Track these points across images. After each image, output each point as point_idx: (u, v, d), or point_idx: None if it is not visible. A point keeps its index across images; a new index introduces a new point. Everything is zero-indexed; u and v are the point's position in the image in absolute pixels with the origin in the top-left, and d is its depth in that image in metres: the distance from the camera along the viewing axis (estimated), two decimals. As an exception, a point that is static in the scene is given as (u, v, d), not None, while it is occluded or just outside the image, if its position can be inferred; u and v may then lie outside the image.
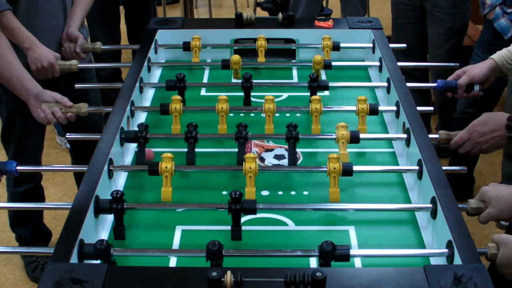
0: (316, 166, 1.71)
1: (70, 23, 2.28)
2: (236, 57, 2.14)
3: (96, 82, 2.58)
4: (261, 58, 2.25)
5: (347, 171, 1.57)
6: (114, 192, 1.45)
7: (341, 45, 2.28)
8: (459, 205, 1.45)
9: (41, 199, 2.65)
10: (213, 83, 2.20)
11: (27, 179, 2.52)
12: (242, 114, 1.99)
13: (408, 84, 1.99)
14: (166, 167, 1.56)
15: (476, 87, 1.97)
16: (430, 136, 1.74)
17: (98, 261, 1.32)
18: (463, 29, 3.19)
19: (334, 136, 1.74)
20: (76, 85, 2.21)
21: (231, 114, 1.92)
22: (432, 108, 2.08)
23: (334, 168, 1.56)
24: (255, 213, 1.46)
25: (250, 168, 1.55)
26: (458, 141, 1.74)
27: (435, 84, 2.05)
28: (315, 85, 2.01)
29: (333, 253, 1.29)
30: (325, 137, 1.80)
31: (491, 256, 1.32)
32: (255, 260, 1.36)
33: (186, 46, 2.28)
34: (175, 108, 1.84)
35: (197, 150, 1.73)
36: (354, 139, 1.73)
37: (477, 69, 1.96)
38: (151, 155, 1.75)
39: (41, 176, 2.62)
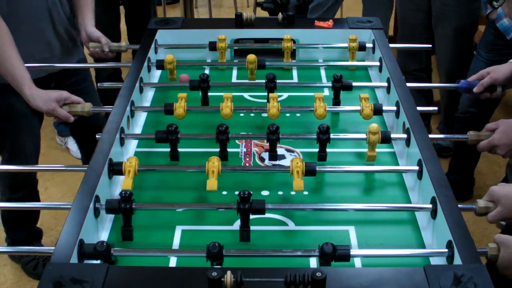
0: (282, 166, 1.73)
1: (87, 24, 2.25)
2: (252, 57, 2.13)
3: (91, 80, 2.57)
4: (287, 59, 2.27)
5: (310, 171, 1.58)
6: (123, 192, 1.45)
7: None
8: (463, 206, 1.46)
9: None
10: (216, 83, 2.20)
11: (22, 185, 2.49)
12: (242, 114, 1.99)
13: (418, 85, 1.98)
14: (130, 162, 1.59)
15: (499, 89, 1.97)
16: (458, 136, 1.72)
17: (98, 261, 1.32)
18: (472, 28, 3.15)
19: (335, 136, 1.73)
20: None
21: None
22: (436, 108, 2.07)
23: (298, 163, 1.57)
24: (263, 213, 1.45)
25: (214, 163, 1.57)
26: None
27: (458, 85, 2.05)
28: (339, 86, 1.99)
29: (334, 254, 1.29)
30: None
31: (491, 257, 1.32)
32: (255, 260, 1.36)
33: (213, 46, 2.27)
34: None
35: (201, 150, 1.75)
36: (385, 139, 1.72)
37: (500, 71, 1.95)
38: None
39: (37, 181, 2.59)
